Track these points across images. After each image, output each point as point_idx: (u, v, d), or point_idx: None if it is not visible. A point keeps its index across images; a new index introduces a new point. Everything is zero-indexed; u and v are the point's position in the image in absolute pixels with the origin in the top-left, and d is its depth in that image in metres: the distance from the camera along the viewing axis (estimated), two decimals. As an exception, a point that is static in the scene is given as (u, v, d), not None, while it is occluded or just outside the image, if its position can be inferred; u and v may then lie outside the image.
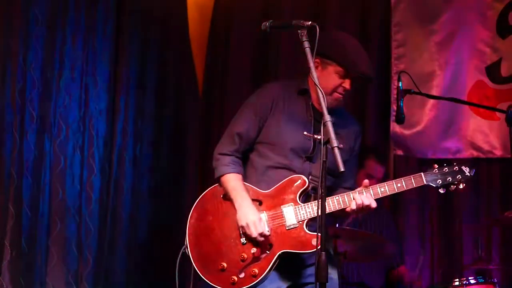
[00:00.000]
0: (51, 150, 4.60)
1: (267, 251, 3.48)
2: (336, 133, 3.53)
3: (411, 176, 3.56)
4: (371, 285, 5.31)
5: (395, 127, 5.93)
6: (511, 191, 5.73)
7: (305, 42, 3.20)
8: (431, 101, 5.80)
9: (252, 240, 3.49)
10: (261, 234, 3.45)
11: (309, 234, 3.46)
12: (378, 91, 6.08)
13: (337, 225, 4.76)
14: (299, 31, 3.24)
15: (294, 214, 3.51)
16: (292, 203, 3.53)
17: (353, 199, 3.45)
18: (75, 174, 4.76)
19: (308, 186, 3.55)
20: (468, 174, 3.61)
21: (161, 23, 5.61)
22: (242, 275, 3.46)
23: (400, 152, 5.96)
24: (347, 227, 5.02)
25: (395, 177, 5.91)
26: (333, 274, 3.67)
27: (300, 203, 3.53)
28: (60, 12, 4.70)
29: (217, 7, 6.38)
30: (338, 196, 3.50)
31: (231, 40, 6.30)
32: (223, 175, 3.62)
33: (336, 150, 2.95)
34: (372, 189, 3.49)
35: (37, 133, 4.51)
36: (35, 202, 4.47)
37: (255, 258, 3.48)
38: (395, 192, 3.53)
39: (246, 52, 6.29)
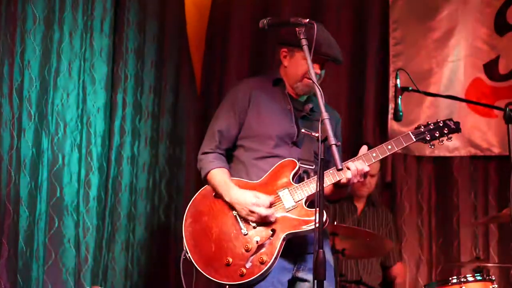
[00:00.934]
0: (48, 148, 4.58)
1: (271, 237, 3.46)
2: (317, 120, 3.64)
3: (400, 136, 3.63)
4: (369, 283, 5.31)
5: (393, 125, 5.93)
6: (508, 189, 5.73)
7: (303, 39, 3.23)
8: (429, 98, 5.81)
9: (254, 229, 3.48)
10: (268, 206, 3.46)
11: (311, 210, 3.46)
12: (376, 88, 6.09)
13: (335, 223, 4.77)
14: (297, 28, 3.26)
15: (291, 195, 3.52)
16: (286, 186, 3.54)
17: (347, 168, 3.47)
18: (72, 172, 4.75)
19: (299, 168, 3.58)
20: (454, 127, 3.69)
21: (159, 21, 5.60)
22: (249, 265, 3.44)
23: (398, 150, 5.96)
24: (345, 225, 5.03)
25: (393, 175, 6.01)
26: (328, 255, 3.66)
27: (295, 184, 3.54)
28: (58, 9, 4.68)
29: (215, 5, 6.37)
30: (332, 170, 3.50)
31: (229, 38, 6.30)
32: (208, 172, 3.64)
33: (334, 148, 2.94)
34: (364, 156, 3.53)
35: (34, 130, 4.50)
36: (33, 200, 4.46)
37: (260, 246, 3.46)
38: (386, 154, 3.58)
39: (244, 50, 6.29)
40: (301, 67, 3.66)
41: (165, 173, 5.61)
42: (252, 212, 3.47)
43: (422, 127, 3.67)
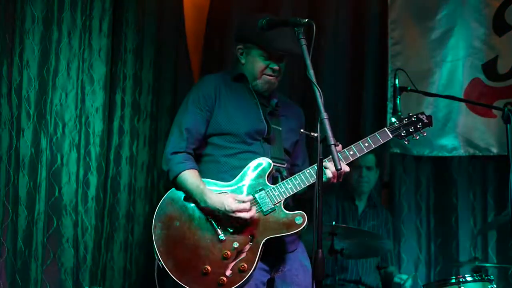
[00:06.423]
0: (47, 147, 4.58)
1: (250, 243, 3.37)
2: (283, 115, 3.64)
3: (376, 133, 3.57)
4: (368, 283, 5.30)
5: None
6: (507, 189, 5.74)
7: (301, 39, 3.16)
8: (428, 98, 5.80)
9: (231, 235, 3.37)
10: (245, 201, 3.34)
11: (291, 213, 3.40)
12: (375, 88, 6.09)
13: (333, 223, 4.76)
14: (296, 28, 3.21)
15: (268, 198, 3.42)
16: (262, 188, 3.45)
17: (325, 167, 3.37)
18: (71, 171, 4.75)
19: (273, 167, 3.49)
20: (427, 121, 3.65)
21: (158, 21, 5.59)
22: (229, 273, 3.33)
23: (397, 150, 5.96)
24: (344, 225, 5.03)
25: (391, 175, 6.01)
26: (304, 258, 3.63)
27: (270, 185, 3.46)
28: (56, 9, 4.69)
29: (213, 5, 6.37)
30: (309, 169, 3.45)
31: (228, 38, 6.29)
32: (179, 174, 3.51)
33: (333, 148, 2.89)
34: (341, 154, 3.43)
35: (33, 130, 4.50)
36: (32, 200, 4.46)
37: (239, 253, 3.36)
38: (364, 152, 3.51)
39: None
40: (257, 63, 3.59)
41: (163, 173, 5.56)
42: (236, 218, 3.33)
43: (397, 122, 3.63)
